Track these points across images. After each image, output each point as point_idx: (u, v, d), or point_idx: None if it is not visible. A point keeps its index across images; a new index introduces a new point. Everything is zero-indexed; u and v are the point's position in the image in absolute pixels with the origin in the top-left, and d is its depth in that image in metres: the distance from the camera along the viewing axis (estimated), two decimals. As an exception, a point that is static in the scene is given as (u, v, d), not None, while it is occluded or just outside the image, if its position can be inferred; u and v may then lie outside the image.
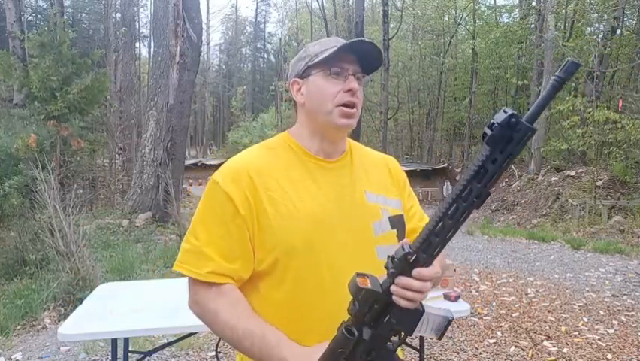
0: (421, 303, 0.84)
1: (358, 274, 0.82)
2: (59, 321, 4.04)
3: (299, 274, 0.97)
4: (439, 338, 0.89)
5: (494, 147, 0.67)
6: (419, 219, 1.18)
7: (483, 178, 0.70)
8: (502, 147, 0.67)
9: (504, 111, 0.66)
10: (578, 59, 0.68)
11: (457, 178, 17.83)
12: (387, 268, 0.81)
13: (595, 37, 15.57)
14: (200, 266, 0.97)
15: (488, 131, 0.67)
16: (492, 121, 0.67)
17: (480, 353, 3.51)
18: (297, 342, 0.93)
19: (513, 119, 0.65)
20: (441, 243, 0.76)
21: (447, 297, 2.47)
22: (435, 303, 2.43)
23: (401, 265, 0.79)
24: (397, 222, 1.08)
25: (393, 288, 0.80)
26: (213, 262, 0.96)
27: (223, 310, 0.95)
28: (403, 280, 0.79)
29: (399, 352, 1.07)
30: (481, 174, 0.70)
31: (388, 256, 0.82)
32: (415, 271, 0.78)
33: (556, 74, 0.65)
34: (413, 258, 0.78)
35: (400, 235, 1.07)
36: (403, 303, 0.80)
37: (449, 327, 0.87)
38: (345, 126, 1.03)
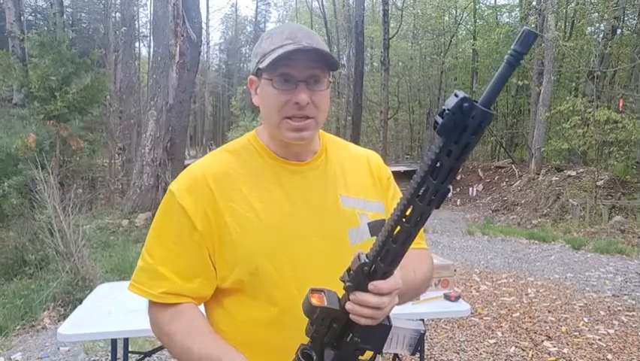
0: (388, 317, 0.77)
1: (313, 290, 0.74)
2: (59, 321, 4.03)
3: (265, 291, 0.89)
4: (412, 354, 0.82)
5: (448, 137, 0.59)
6: None
7: (439, 174, 0.61)
8: (456, 137, 0.59)
9: (455, 95, 0.58)
10: (536, 30, 0.60)
11: (458, 178, 17.81)
12: (343, 281, 0.73)
13: (595, 36, 15.57)
14: (153, 286, 0.89)
15: (439, 120, 0.58)
16: (443, 107, 0.58)
17: (480, 354, 3.51)
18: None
19: (466, 104, 0.57)
20: (400, 249, 0.68)
21: (447, 297, 2.46)
22: (435, 303, 2.42)
23: (357, 277, 0.71)
24: (377, 229, 0.99)
25: (348, 306, 0.72)
26: (168, 281, 0.89)
27: (179, 333, 0.87)
28: (358, 296, 0.71)
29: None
30: (436, 169, 0.61)
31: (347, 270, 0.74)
32: (371, 285, 0.70)
33: (513, 47, 0.56)
34: (371, 269, 0.70)
35: None
36: (363, 321, 0.72)
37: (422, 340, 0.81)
38: (296, 140, 0.90)
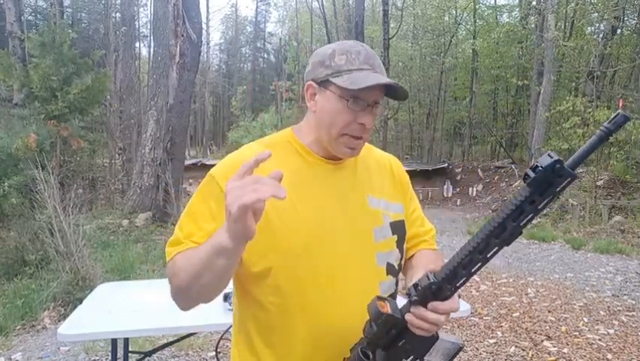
0: None
1: (379, 298, 0.84)
2: (59, 321, 4.04)
3: (295, 279, 0.93)
4: None
5: (535, 189, 0.69)
6: (420, 224, 1.16)
7: (518, 218, 0.71)
8: (542, 190, 0.69)
9: (549, 156, 0.67)
10: (630, 114, 0.68)
11: (458, 178, 17.82)
12: (409, 295, 0.83)
13: (595, 36, 15.57)
14: (172, 252, 0.92)
15: (531, 174, 0.68)
16: (536, 164, 0.68)
17: (480, 353, 3.51)
18: (293, 348, 0.93)
19: (558, 166, 0.66)
20: (467, 276, 0.77)
21: (447, 297, 2.45)
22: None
23: (424, 293, 0.80)
24: (398, 228, 1.05)
25: (408, 317, 0.81)
26: (183, 244, 0.91)
27: (179, 259, 0.89)
28: (420, 311, 0.80)
29: None
30: (517, 214, 0.71)
31: (413, 285, 0.82)
32: (430, 305, 0.79)
33: (605, 124, 0.66)
34: (437, 288, 0.80)
35: (400, 241, 1.05)
36: (418, 332, 0.82)
37: (458, 354, 0.90)
38: (348, 156, 1.00)
